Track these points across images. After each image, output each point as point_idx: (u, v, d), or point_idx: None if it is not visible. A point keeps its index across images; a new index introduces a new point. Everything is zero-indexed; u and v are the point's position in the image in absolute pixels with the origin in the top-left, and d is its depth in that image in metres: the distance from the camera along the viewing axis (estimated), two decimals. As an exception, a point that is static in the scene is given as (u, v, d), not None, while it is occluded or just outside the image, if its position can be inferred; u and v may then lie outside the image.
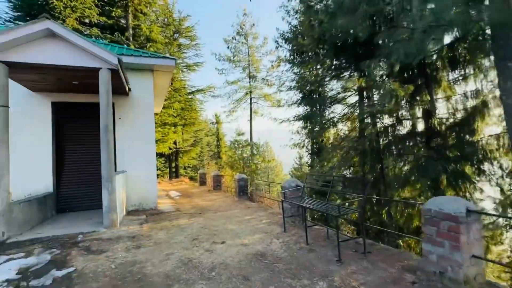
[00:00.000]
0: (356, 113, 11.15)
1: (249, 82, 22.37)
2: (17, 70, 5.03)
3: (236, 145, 14.52)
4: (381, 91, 6.94)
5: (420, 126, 8.32)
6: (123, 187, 6.70)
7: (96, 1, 14.48)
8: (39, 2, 13.38)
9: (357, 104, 11.27)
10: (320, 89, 14.71)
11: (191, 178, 25.19)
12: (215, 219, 6.15)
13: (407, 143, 7.95)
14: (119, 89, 6.69)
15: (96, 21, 14.68)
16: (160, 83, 8.71)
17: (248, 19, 22.73)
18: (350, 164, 8.16)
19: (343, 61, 9.07)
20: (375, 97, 9.59)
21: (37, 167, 6.58)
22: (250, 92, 22.37)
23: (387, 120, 9.14)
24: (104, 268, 3.59)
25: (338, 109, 16.01)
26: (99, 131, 5.31)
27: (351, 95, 11.69)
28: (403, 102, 7.94)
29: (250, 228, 5.30)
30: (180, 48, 22.13)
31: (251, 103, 22.55)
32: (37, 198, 5.80)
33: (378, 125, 8.78)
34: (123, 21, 16.50)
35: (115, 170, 7.19)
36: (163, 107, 15.45)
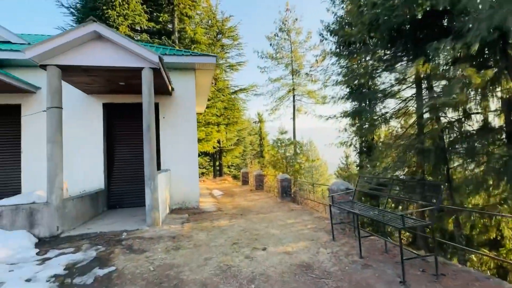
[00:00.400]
0: (412, 108, 9.94)
1: (292, 79, 21.75)
2: (69, 73, 5.30)
3: (278, 144, 14.12)
4: (449, 80, 5.92)
5: (495, 121, 7.01)
6: (167, 186, 6.76)
7: (145, 8, 15.27)
8: (97, 13, 14.56)
9: (413, 98, 10.04)
10: (370, 82, 13.58)
11: (234, 177, 25.47)
12: (257, 222, 5.84)
13: (479, 141, 6.71)
14: (163, 89, 6.76)
15: (145, 27, 15.49)
16: (202, 81, 8.71)
17: (290, 15, 22.13)
18: (407, 164, 7.19)
19: (399, 48, 8.05)
20: (437, 88, 8.38)
21: (91, 165, 6.97)
22: (293, 89, 21.74)
23: (451, 115, 7.91)
24: (143, 270, 3.48)
25: (390, 104, 14.60)
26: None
27: (406, 87, 10.46)
28: (472, 92, 6.74)
29: (294, 234, 4.86)
30: (223, 49, 22.43)
31: (294, 101, 21.91)
32: (89, 194, 6.10)
33: (442, 120, 7.63)
34: (169, 25, 17.19)
35: (159, 169, 7.32)
36: (207, 107, 15.74)
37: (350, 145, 15.62)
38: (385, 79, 11.76)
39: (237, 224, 5.69)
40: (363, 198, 12.52)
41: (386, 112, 10.75)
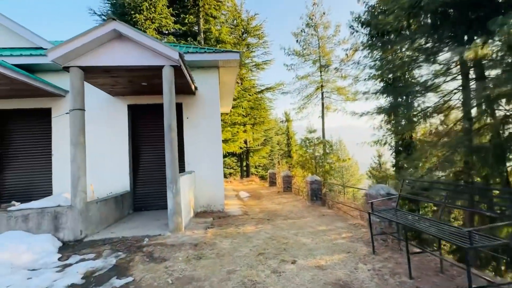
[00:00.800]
0: (458, 101, 8.86)
1: (320, 75, 20.89)
2: (91, 74, 5.23)
3: (307, 143, 13.48)
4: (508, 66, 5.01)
5: None
6: (191, 188, 6.53)
7: (171, 11, 15.43)
8: (126, 18, 14.96)
9: (459, 90, 8.96)
10: (407, 75, 12.52)
11: (262, 178, 25.14)
12: (285, 228, 5.38)
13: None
14: (185, 88, 6.55)
15: (172, 30, 15.65)
16: (226, 80, 8.42)
17: (318, 9, 21.27)
18: (456, 165, 6.27)
19: (445, 34, 7.13)
20: (490, 76, 7.31)
21: (118, 166, 6.95)
22: (322, 86, 20.88)
23: (506, 107, 6.84)
24: (161, 282, 3.19)
25: (431, 99, 13.43)
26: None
27: (450, 79, 9.37)
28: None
29: (327, 244, 4.34)
30: (248, 48, 22.18)
31: (322, 98, 21.03)
32: (114, 197, 6.03)
33: (498, 113, 6.62)
34: (195, 26, 17.25)
35: (183, 170, 7.13)
36: (232, 107, 15.55)
37: (385, 143, 14.55)
38: (425, 71, 10.69)
39: (264, 230, 5.27)
40: (400, 201, 11.50)
41: (427, 107, 9.74)
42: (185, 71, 5.54)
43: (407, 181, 4.82)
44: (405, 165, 9.85)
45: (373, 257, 3.70)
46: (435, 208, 8.16)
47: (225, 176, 28.10)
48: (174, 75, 5.31)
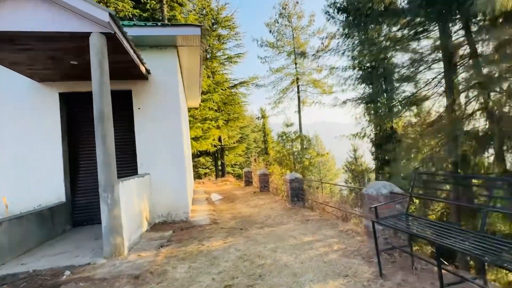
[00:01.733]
0: (440, 88, 8.27)
1: (295, 68, 20.08)
2: (-14, 44, 3.77)
3: (284, 138, 12.51)
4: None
5: None
6: (143, 195, 5.23)
7: (129, -6, 13.73)
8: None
9: (442, 74, 8.36)
10: (386, 61, 11.91)
11: (238, 177, 23.98)
12: (261, 241, 4.26)
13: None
14: (133, 70, 5.21)
15: (130, 15, 13.96)
16: (188, 64, 7.15)
17: (291, -1, 20.40)
18: (457, 155, 5.52)
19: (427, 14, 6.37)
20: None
21: (47, 172, 5.46)
22: (297, 79, 20.08)
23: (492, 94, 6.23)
24: None
25: (409, 88, 12.93)
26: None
27: (435, 61, 8.76)
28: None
29: (316, 264, 3.27)
30: (219, 39, 20.85)
31: (298, 92, 20.25)
32: (38, 212, 4.58)
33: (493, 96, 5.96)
34: (158, 13, 15.63)
35: (137, 173, 5.80)
36: (202, 101, 14.19)
37: (364, 136, 13.99)
38: (406, 57, 10.04)
39: (235, 245, 4.12)
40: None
41: (414, 94, 9.08)
42: (125, 43, 4.23)
43: (423, 176, 3.81)
44: (391, 158, 9.14)
45: (381, 284, 2.68)
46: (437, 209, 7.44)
47: (199, 177, 26.58)
48: (110, 49, 3.99)
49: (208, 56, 20.59)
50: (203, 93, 14.36)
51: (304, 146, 12.55)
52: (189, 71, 7.87)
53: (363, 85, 13.11)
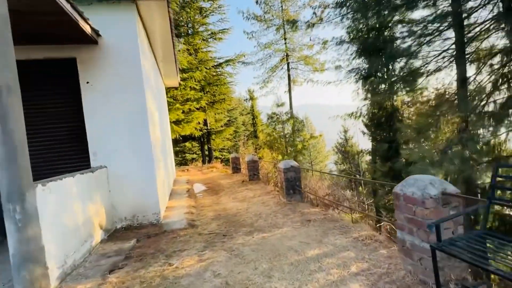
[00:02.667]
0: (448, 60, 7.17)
1: (285, 43, 18.56)
2: None
3: (274, 120, 11.31)
4: None
5: None
6: (94, 196, 3.98)
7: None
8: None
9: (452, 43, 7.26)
10: (387, 30, 10.70)
11: (226, 162, 22.84)
12: (250, 258, 3.14)
13: None
14: (73, 30, 3.80)
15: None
16: (155, 26, 5.71)
17: (278, -34, 18.52)
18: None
19: None
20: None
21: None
22: (287, 56, 18.62)
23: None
24: None
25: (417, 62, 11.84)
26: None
27: (444, 30, 7.59)
28: None
29: (332, 302, 2.17)
30: (201, 13, 18.93)
31: (288, 70, 18.86)
32: None
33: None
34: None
35: (89, 166, 4.52)
36: (182, 79, 12.66)
37: (360, 116, 12.97)
38: (406, 28, 8.82)
39: (213, 267, 2.99)
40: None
41: (418, 68, 7.96)
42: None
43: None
44: (399, 139, 8.11)
45: None
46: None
47: (185, 163, 25.30)
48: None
49: (189, 32, 18.78)
50: (183, 71, 12.84)
51: (297, 128, 11.41)
52: (159, 38, 6.42)
53: (360, 60, 11.90)
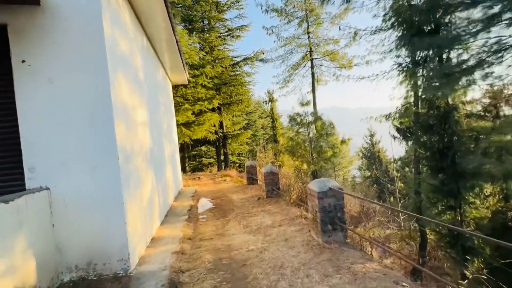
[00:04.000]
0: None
1: (308, 38, 16.71)
2: None
3: (298, 122, 9.52)
4: None
5: None
6: (19, 237, 2.41)
7: None
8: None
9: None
10: (443, 19, 8.64)
11: (243, 168, 21.26)
12: None
13: None
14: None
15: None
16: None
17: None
18: None
19: None
20: None
21: None
22: (310, 51, 16.74)
23: None
24: None
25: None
26: None
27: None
28: None
29: None
30: (217, 7, 17.60)
31: (312, 67, 16.95)
32: None
33: None
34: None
35: (23, 187, 2.99)
36: (193, 76, 11.15)
37: (401, 117, 10.89)
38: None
39: None
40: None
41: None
42: None
43: None
44: (475, 146, 6.09)
45: None
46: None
47: (201, 169, 23.98)
48: None
49: (205, 28, 17.47)
50: (194, 67, 11.40)
51: (325, 132, 9.53)
52: (154, 19, 4.90)
53: (403, 49, 9.89)
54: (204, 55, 12.77)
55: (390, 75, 9.78)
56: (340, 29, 14.14)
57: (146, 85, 5.27)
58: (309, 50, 16.59)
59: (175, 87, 10.87)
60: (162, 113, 6.99)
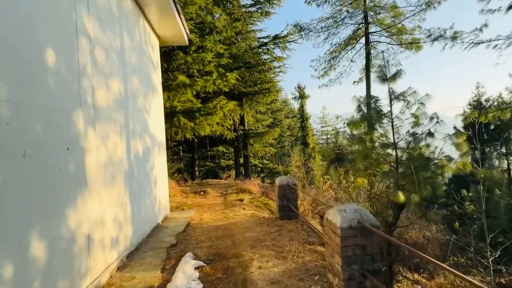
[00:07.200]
0: None
1: (364, 2, 12.19)
2: None
3: (378, 111, 5.24)
4: None
5: None
6: None
7: None
8: None
9: None
10: None
11: (266, 176, 17.10)
12: None
13: None
14: None
15: None
16: None
17: None
18: None
19: None
20: None
21: None
22: (366, 19, 12.17)
23: None
24: None
25: None
26: None
27: None
28: None
29: None
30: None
31: (368, 44, 12.40)
32: None
33: None
34: None
35: None
36: (200, 36, 6.95)
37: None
38: None
39: None
40: None
41: None
42: None
43: None
44: None
45: None
46: None
47: (216, 174, 20.03)
48: None
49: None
50: (201, 28, 7.41)
51: (423, 133, 5.13)
52: None
53: None
54: (220, 14, 8.77)
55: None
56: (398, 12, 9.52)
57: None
58: (363, 17, 12.06)
59: (170, 53, 6.94)
60: (134, 91, 3.05)
